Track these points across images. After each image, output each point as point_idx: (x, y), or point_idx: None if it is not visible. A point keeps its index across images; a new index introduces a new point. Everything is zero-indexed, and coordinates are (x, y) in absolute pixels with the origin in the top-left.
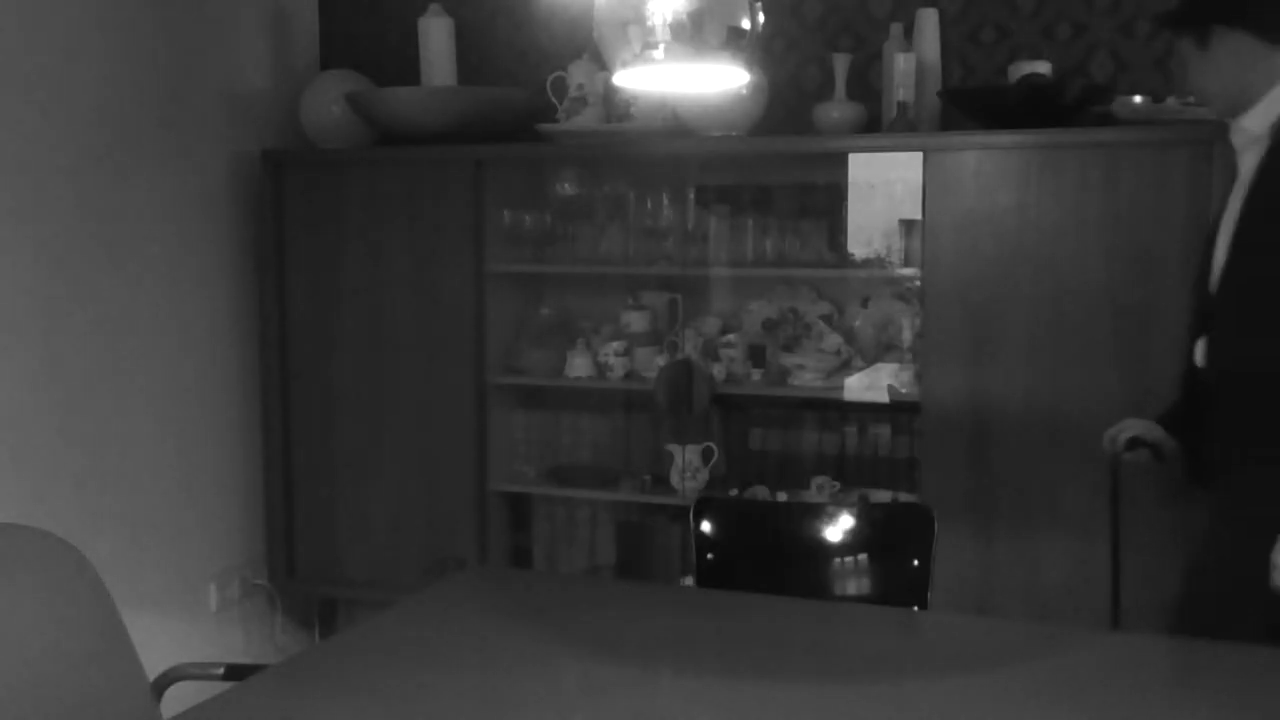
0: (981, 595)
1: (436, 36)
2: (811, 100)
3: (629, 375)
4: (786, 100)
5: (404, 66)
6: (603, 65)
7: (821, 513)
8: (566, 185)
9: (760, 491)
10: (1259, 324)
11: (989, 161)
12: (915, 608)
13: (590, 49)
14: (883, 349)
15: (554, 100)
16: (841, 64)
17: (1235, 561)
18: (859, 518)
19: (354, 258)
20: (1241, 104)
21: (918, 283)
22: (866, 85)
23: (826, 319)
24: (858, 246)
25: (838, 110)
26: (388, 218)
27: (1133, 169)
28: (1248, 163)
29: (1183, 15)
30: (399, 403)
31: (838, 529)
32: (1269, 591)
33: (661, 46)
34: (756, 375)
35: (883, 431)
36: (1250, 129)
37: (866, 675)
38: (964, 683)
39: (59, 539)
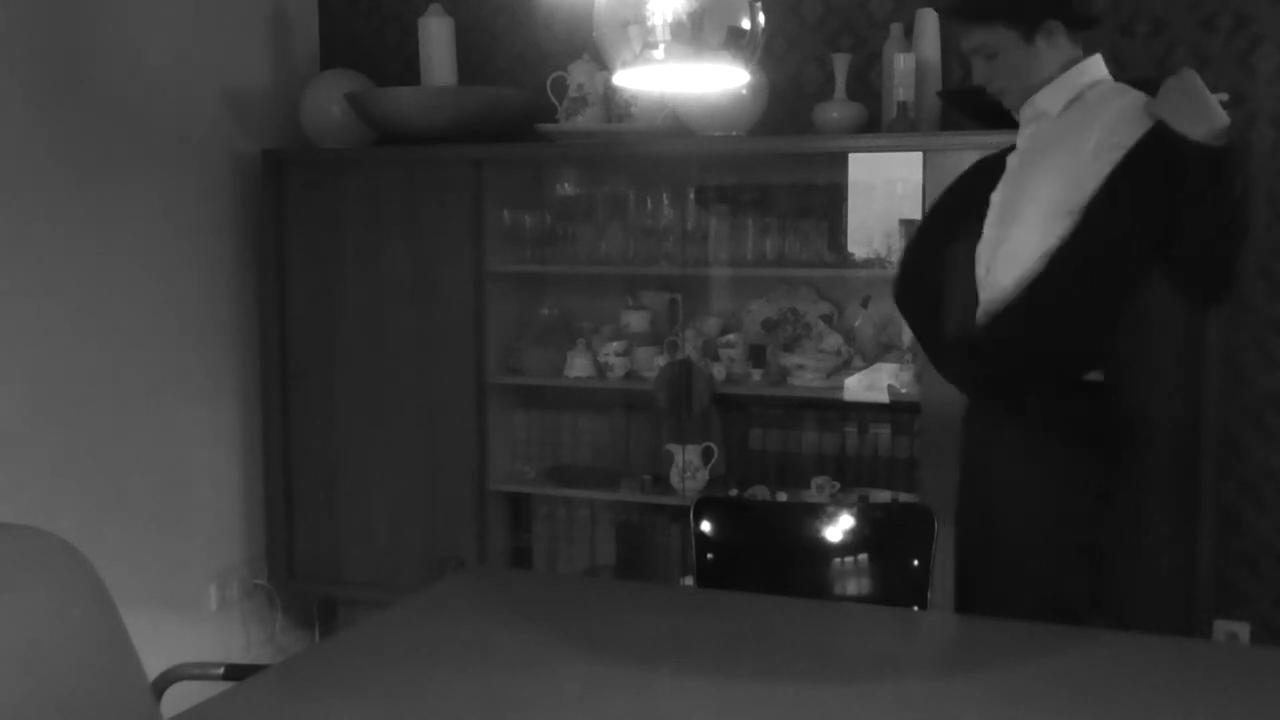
0: None
1: (436, 36)
2: (811, 100)
3: (629, 375)
4: (786, 100)
5: (404, 66)
6: (603, 65)
7: (821, 513)
8: (566, 185)
9: (760, 491)
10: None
11: None
12: (915, 608)
13: (590, 49)
14: (883, 349)
15: (554, 100)
16: (841, 64)
17: None
18: (859, 518)
19: (354, 258)
20: (1033, 91)
21: None
22: (866, 85)
23: (826, 319)
24: (858, 246)
25: (838, 110)
26: (388, 218)
27: None
28: (1029, 133)
29: (1013, 8)
30: (399, 403)
31: (838, 529)
32: None
33: (661, 46)
34: (756, 375)
35: (883, 431)
36: (1044, 106)
37: (866, 675)
38: (964, 683)
39: (59, 539)
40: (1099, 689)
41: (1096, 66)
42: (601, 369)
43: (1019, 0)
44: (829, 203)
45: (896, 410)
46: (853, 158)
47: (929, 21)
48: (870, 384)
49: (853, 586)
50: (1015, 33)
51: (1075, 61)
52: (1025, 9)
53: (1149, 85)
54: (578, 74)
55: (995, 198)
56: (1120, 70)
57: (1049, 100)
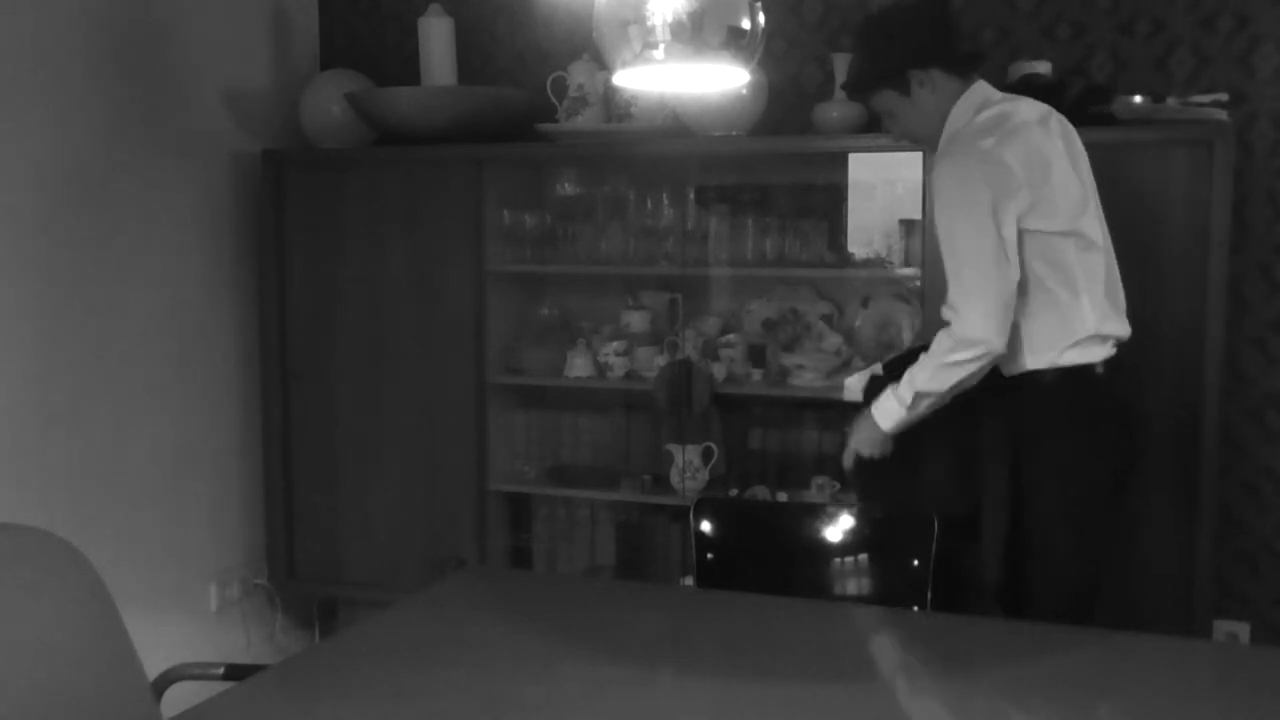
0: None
1: (436, 36)
2: (811, 100)
3: (629, 375)
4: (786, 100)
5: (404, 66)
6: (603, 65)
7: (821, 513)
8: (566, 185)
9: (760, 491)
10: None
11: None
12: (915, 608)
13: (590, 49)
14: (883, 349)
15: (554, 100)
16: (841, 64)
17: None
18: (859, 518)
19: (354, 258)
20: (940, 132)
21: (918, 283)
22: None
23: (826, 319)
24: (858, 246)
25: (838, 110)
26: (388, 218)
27: (1133, 169)
28: None
29: (880, 74)
30: (399, 402)
31: (838, 529)
32: None
33: (661, 46)
34: (756, 375)
35: None
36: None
37: (866, 675)
38: (964, 683)
39: (59, 539)
40: (1099, 689)
41: (964, 111)
42: (601, 369)
43: (878, 68)
44: (829, 203)
45: None
46: (853, 158)
47: None
48: None
49: (853, 587)
50: (892, 92)
51: (951, 101)
52: (885, 73)
53: (1039, 92)
54: (578, 74)
55: None
56: (1121, 69)
57: (936, 160)
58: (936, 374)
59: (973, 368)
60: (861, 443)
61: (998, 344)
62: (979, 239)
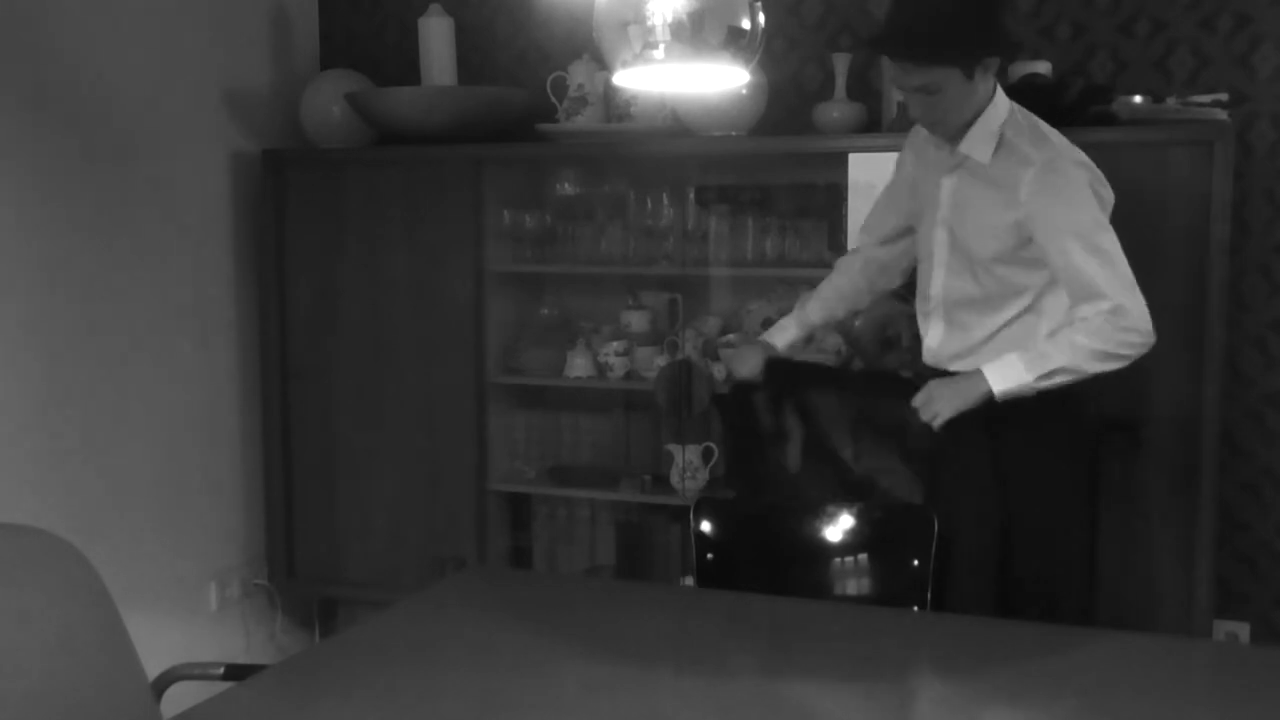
0: None
1: (436, 36)
2: (811, 100)
3: (629, 375)
4: (786, 100)
5: (404, 66)
6: (603, 65)
7: (821, 513)
8: (566, 185)
9: None
10: None
11: None
12: (915, 608)
13: (590, 49)
14: (883, 349)
15: (554, 100)
16: (841, 64)
17: None
18: (859, 518)
19: (354, 258)
20: (965, 122)
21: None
22: (866, 85)
23: None
24: None
25: (838, 110)
26: (388, 218)
27: (1133, 169)
28: (955, 182)
29: (961, 50)
30: (399, 402)
31: (838, 529)
32: None
33: (661, 46)
34: None
35: None
36: (976, 156)
37: (866, 675)
38: (964, 683)
39: (59, 539)
40: (1099, 689)
41: (1004, 101)
42: (601, 369)
43: (965, 42)
44: (829, 203)
45: None
46: (853, 158)
47: None
48: None
49: (853, 586)
50: (958, 71)
51: (992, 92)
52: (971, 50)
53: (1040, 91)
54: (578, 74)
55: (939, 234)
56: (1121, 69)
57: (979, 148)
58: (1095, 358)
59: (1131, 359)
60: (956, 402)
61: (1153, 338)
62: (1114, 238)
